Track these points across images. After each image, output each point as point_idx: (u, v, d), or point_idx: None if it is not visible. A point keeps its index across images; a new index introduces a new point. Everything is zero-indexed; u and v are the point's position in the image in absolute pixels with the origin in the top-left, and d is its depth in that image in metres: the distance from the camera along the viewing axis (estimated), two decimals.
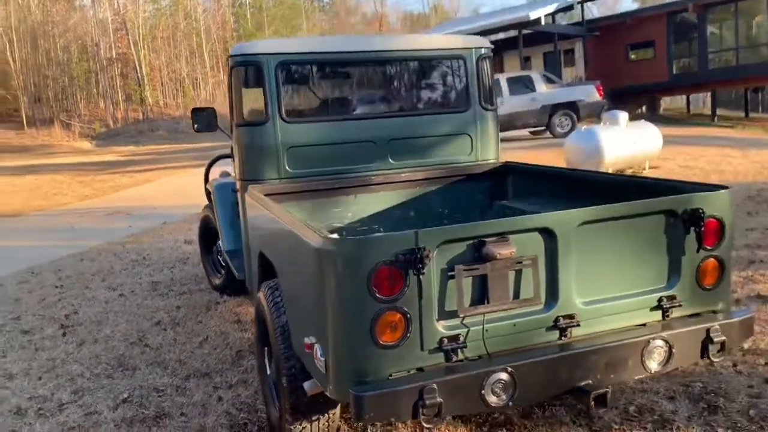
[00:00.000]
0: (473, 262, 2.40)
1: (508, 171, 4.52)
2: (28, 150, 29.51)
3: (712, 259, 2.80)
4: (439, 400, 2.28)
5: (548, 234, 2.52)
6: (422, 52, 4.32)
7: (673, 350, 2.64)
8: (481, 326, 2.45)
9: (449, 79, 4.51)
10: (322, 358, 2.39)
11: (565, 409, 3.53)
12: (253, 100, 4.00)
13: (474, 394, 2.35)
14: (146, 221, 10.14)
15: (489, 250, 2.37)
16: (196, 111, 4.80)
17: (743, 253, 6.20)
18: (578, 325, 2.59)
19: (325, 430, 2.97)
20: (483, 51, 4.39)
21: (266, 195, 3.92)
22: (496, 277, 2.45)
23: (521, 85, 18.00)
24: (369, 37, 4.60)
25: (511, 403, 2.43)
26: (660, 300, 2.72)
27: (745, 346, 4.23)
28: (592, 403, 2.44)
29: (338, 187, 4.12)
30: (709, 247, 2.78)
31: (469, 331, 2.44)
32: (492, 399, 2.37)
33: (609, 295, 2.68)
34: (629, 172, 11.54)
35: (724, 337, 2.70)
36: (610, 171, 11.15)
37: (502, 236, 2.42)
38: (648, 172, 11.40)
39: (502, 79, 18.06)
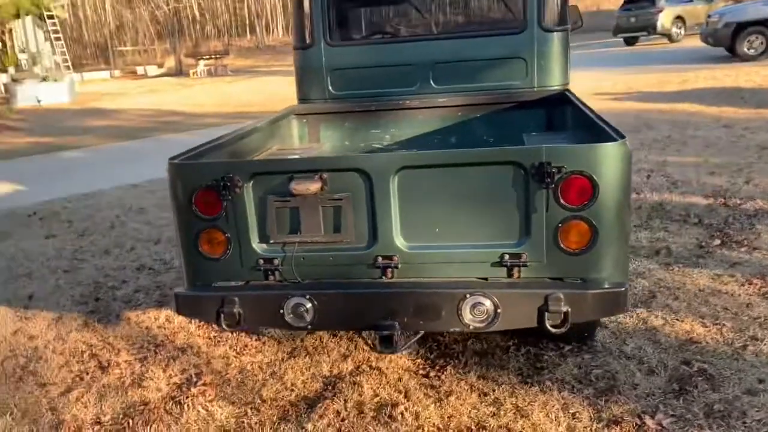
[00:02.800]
0: (286, 195, 2.58)
1: (569, 100, 4.13)
2: None
3: (577, 221, 2.45)
4: (238, 310, 2.62)
5: (365, 175, 2.53)
6: None
7: (499, 310, 2.47)
8: (298, 254, 2.65)
9: None
10: (178, 263, 2.88)
11: (523, 355, 3.43)
12: (303, 24, 4.36)
13: (274, 312, 2.61)
14: None
15: (292, 185, 2.53)
16: None
17: None
18: (398, 267, 2.58)
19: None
20: None
21: (310, 114, 4.35)
22: (307, 211, 2.59)
23: None
24: None
25: (310, 327, 2.63)
26: (503, 256, 2.52)
27: None
28: (377, 341, 2.49)
29: (375, 109, 4.30)
30: (573, 207, 2.44)
31: (285, 256, 2.66)
32: (290, 319, 2.61)
33: (442, 243, 2.57)
34: None
35: (566, 308, 2.41)
36: None
37: (316, 172, 2.54)
38: None
39: None
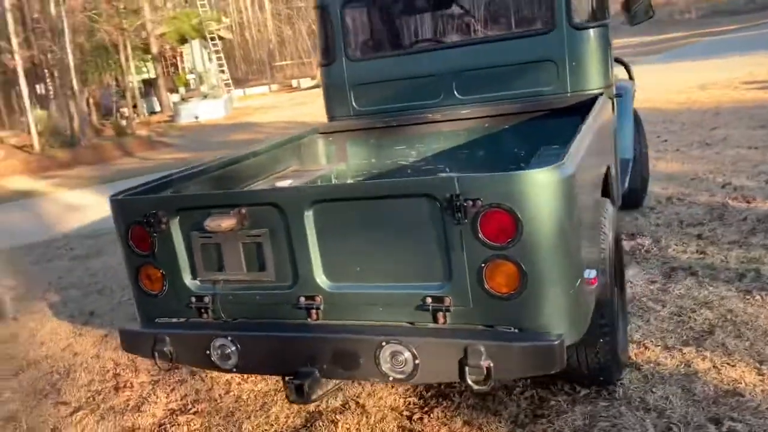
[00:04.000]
0: (206, 231, 2.46)
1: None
2: None
3: (502, 261, 2.08)
4: (169, 348, 2.55)
5: (279, 210, 2.34)
6: None
7: (417, 361, 2.17)
8: (225, 292, 2.52)
9: None
10: None
11: (527, 398, 3.05)
12: (326, 40, 4.23)
13: (201, 352, 2.50)
14: None
15: (206, 222, 2.41)
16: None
17: None
18: (320, 308, 2.36)
19: None
20: None
21: (335, 132, 4.25)
22: (228, 248, 2.45)
23: None
24: None
25: (235, 370, 2.49)
26: (425, 300, 2.21)
27: None
28: (290, 388, 2.29)
29: (397, 124, 4.08)
30: (495, 245, 2.07)
31: (216, 294, 2.54)
32: (217, 360, 2.48)
33: (366, 283, 2.31)
34: None
35: (488, 363, 2.06)
36: None
37: (232, 207, 2.40)
38: None
39: None
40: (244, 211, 2.39)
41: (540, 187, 2.01)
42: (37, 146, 19.32)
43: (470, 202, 2.05)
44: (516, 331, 2.13)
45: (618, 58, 6.38)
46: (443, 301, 2.19)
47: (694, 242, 4.65)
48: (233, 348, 2.45)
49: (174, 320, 2.68)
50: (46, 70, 26.66)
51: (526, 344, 2.05)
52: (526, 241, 2.04)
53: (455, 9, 4.06)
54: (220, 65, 28.75)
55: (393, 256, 2.27)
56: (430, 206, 2.13)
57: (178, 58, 32.42)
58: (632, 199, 5.42)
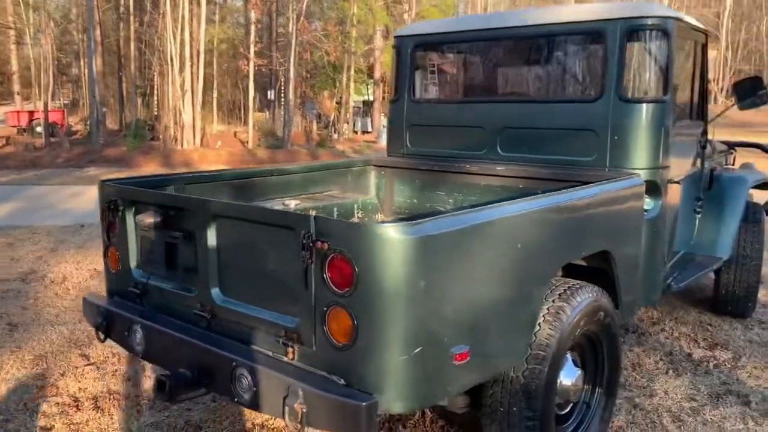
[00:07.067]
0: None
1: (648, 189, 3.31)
2: None
3: (340, 309, 2.02)
4: (102, 321, 2.83)
5: (193, 217, 2.49)
6: (550, 27, 3.56)
7: (254, 389, 2.17)
8: (152, 283, 2.73)
9: (582, 60, 3.52)
10: None
11: None
12: (395, 78, 4.33)
13: (123, 333, 2.74)
14: None
15: (138, 215, 2.64)
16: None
17: None
18: (210, 319, 2.46)
19: None
20: (636, 23, 3.28)
21: (388, 167, 4.36)
22: (155, 244, 2.67)
23: None
24: (503, 13, 3.97)
25: (141, 356, 2.67)
26: (280, 332, 2.21)
27: None
28: (155, 384, 2.40)
29: (438, 170, 4.04)
30: (337, 291, 2.03)
31: (147, 284, 2.76)
32: (133, 343, 2.70)
33: (246, 304, 2.37)
34: None
35: (303, 407, 2.01)
36: None
37: (161, 207, 2.61)
38: None
39: None
40: (171, 213, 2.59)
41: (380, 243, 1.94)
42: (250, 143, 21.70)
43: (320, 244, 2.04)
44: (342, 383, 2.06)
45: (746, 142, 5.62)
46: (293, 337, 2.19)
47: None
48: (141, 335, 2.66)
49: (120, 300, 2.95)
50: (282, 79, 29.82)
51: (334, 397, 1.98)
52: (360, 293, 1.98)
53: (512, 67, 3.94)
54: None
55: (267, 282, 2.32)
56: (293, 240, 2.15)
57: None
58: (737, 308, 4.76)
